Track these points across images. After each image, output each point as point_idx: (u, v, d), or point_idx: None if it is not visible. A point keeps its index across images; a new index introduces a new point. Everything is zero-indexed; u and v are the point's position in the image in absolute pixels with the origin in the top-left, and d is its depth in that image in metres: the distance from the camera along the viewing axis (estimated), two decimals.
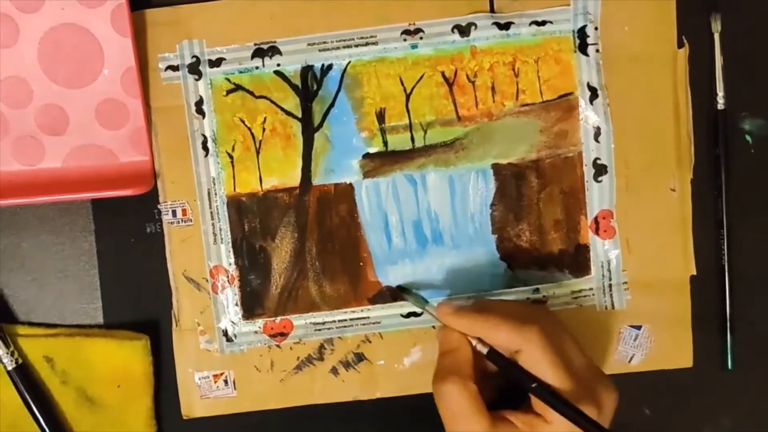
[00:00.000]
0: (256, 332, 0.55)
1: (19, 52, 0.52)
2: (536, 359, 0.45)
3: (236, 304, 0.54)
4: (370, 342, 0.55)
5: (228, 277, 0.54)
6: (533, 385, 0.45)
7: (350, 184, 0.54)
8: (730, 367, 0.54)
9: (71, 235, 0.55)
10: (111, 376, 0.54)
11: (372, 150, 0.54)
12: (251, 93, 0.53)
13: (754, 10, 0.53)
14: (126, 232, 0.55)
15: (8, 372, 0.53)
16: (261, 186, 0.54)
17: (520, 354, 0.46)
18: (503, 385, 0.50)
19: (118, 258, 0.55)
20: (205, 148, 0.53)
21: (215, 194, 0.54)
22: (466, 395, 0.45)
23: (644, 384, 0.55)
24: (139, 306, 0.55)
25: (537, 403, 0.46)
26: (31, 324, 0.55)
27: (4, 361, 0.53)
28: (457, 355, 0.47)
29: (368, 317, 0.55)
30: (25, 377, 0.53)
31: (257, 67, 0.53)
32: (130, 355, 0.54)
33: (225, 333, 0.55)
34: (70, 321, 0.55)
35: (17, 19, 0.52)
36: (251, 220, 0.54)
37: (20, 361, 0.53)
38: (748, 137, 0.54)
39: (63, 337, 0.54)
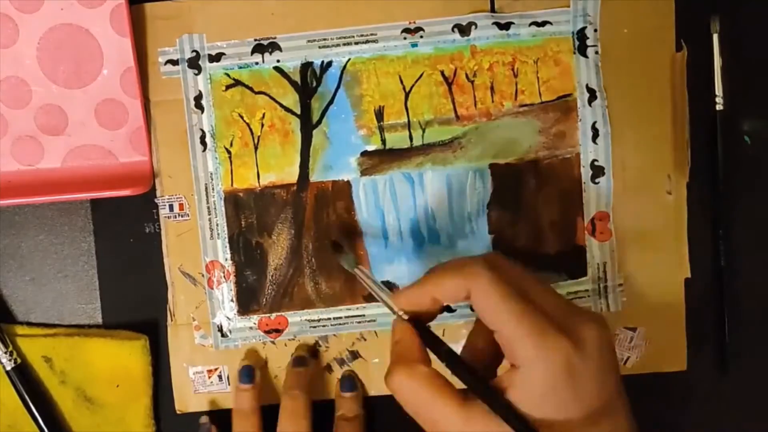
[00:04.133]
0: (251, 328, 0.55)
1: (18, 52, 0.52)
2: (485, 295, 0.38)
3: (231, 300, 0.54)
4: (365, 340, 0.55)
5: (224, 272, 0.54)
6: (443, 349, 0.40)
7: (348, 182, 0.54)
8: (725, 369, 0.55)
9: (70, 235, 0.55)
10: (110, 376, 0.54)
11: (370, 148, 0.54)
12: (250, 88, 0.53)
13: (752, 11, 0.54)
14: (125, 232, 0.55)
15: (7, 372, 0.53)
16: (258, 182, 0.54)
17: (471, 298, 0.39)
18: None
19: (117, 258, 0.55)
20: (203, 143, 0.54)
21: (212, 189, 0.54)
22: (416, 382, 0.39)
23: (640, 386, 0.55)
24: (137, 306, 0.55)
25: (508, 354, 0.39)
26: (29, 324, 0.55)
27: (3, 361, 0.53)
28: (401, 341, 0.41)
29: (363, 315, 0.55)
30: (24, 377, 0.53)
31: (257, 63, 0.53)
32: (129, 355, 0.54)
33: (220, 328, 0.55)
34: (69, 321, 0.56)
35: (17, 19, 0.52)
36: (248, 215, 0.54)
37: (19, 361, 0.53)
38: (747, 138, 0.54)
39: (62, 337, 0.54)
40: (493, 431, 0.37)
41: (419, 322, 0.41)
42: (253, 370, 0.53)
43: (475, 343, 0.43)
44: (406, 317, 0.42)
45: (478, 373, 0.40)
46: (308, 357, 0.54)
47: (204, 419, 0.54)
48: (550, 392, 0.37)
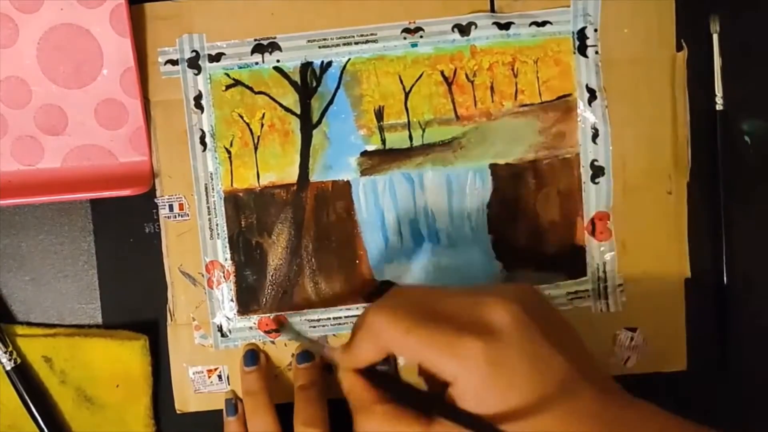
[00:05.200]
0: (250, 328, 0.55)
1: (18, 52, 0.52)
2: (392, 340, 0.40)
3: (231, 300, 0.54)
4: None
5: (224, 272, 0.54)
6: (389, 385, 0.42)
7: (347, 182, 0.54)
8: (725, 369, 0.55)
9: (70, 235, 0.55)
10: (110, 376, 0.54)
11: (370, 148, 0.54)
12: (250, 88, 0.53)
13: (752, 11, 0.54)
14: (125, 232, 0.55)
15: (7, 372, 0.53)
16: (258, 182, 0.54)
17: (387, 348, 0.41)
18: None
19: (117, 258, 0.55)
20: (203, 143, 0.54)
21: (212, 189, 0.54)
22: (378, 424, 0.40)
23: (640, 386, 0.55)
24: (137, 306, 0.55)
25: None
26: (29, 324, 0.55)
27: (3, 361, 0.53)
28: (351, 390, 0.43)
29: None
30: (24, 377, 0.53)
31: (257, 63, 0.53)
32: (128, 355, 0.54)
33: (220, 328, 0.55)
34: (69, 321, 0.56)
35: (17, 20, 0.52)
36: (248, 215, 0.54)
37: (19, 361, 0.53)
38: (747, 138, 0.54)
39: (62, 337, 0.54)
40: None
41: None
42: (256, 354, 0.54)
43: (425, 375, 0.43)
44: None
45: (428, 395, 0.41)
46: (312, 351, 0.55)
47: (229, 395, 0.55)
48: (485, 392, 0.38)
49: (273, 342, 0.55)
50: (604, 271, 0.54)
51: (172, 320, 0.54)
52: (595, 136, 0.54)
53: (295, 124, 0.54)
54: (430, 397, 0.41)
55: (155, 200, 0.54)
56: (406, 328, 0.39)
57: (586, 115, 0.53)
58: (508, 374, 0.38)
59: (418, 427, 0.39)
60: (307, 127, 0.54)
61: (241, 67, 0.53)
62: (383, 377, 0.43)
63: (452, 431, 0.38)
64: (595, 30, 0.53)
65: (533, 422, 0.37)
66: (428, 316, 0.39)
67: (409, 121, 0.54)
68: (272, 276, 0.54)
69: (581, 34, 0.53)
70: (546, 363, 0.39)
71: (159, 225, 0.54)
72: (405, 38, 0.53)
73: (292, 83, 0.53)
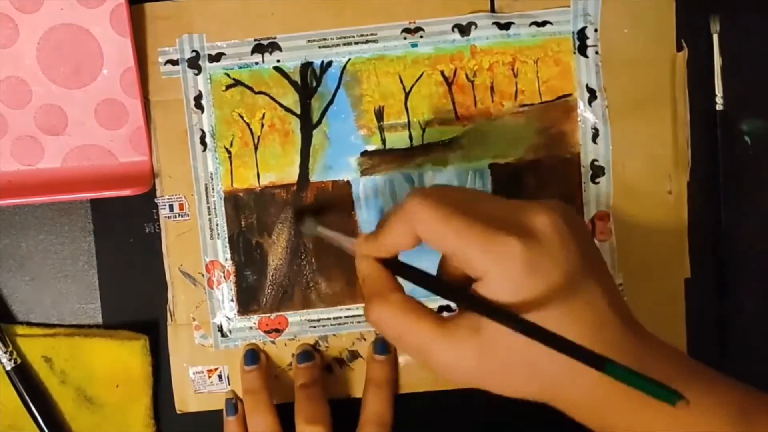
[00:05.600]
0: (251, 328, 0.55)
1: (18, 52, 0.52)
2: (426, 224, 0.38)
3: (231, 300, 0.54)
4: (365, 340, 0.55)
5: (224, 272, 0.54)
6: (412, 271, 0.41)
7: (348, 182, 0.54)
8: (725, 369, 0.54)
9: (70, 235, 0.55)
10: (110, 376, 0.54)
11: (370, 148, 0.54)
12: (250, 88, 0.53)
13: (752, 11, 0.54)
14: (125, 232, 0.55)
15: (7, 372, 0.53)
16: (258, 182, 0.54)
17: (419, 235, 0.39)
18: None
19: (117, 258, 0.55)
20: (203, 143, 0.54)
21: (212, 189, 0.54)
22: (392, 310, 0.39)
23: None
24: (138, 306, 0.55)
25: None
26: (29, 324, 0.55)
27: (3, 361, 0.53)
28: (368, 277, 0.42)
29: (363, 315, 0.54)
30: (24, 377, 0.53)
31: (257, 63, 0.53)
32: (129, 355, 0.54)
33: (220, 328, 0.55)
34: (69, 321, 0.56)
35: (17, 20, 0.52)
36: (248, 215, 0.54)
37: (19, 361, 0.53)
38: (747, 138, 0.54)
39: (62, 337, 0.54)
40: (472, 344, 0.38)
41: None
42: (256, 353, 0.54)
43: (447, 273, 0.43)
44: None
45: (454, 286, 0.41)
46: (312, 350, 0.55)
47: (229, 394, 0.55)
48: (515, 289, 0.37)
49: (273, 342, 0.55)
50: None
51: (172, 320, 0.54)
52: (595, 136, 0.54)
53: (295, 124, 0.54)
54: (457, 288, 0.40)
55: (155, 200, 0.54)
56: (444, 216, 0.37)
57: (586, 115, 0.53)
58: (539, 279, 0.37)
59: (431, 322, 0.39)
60: (307, 127, 0.54)
61: (241, 67, 0.53)
62: (406, 267, 0.41)
63: (465, 331, 0.38)
64: (595, 30, 0.53)
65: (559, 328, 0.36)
66: (468, 210, 0.38)
67: (409, 121, 0.54)
68: (272, 276, 0.54)
69: (581, 34, 0.53)
70: (578, 282, 0.38)
71: (159, 225, 0.54)
72: (405, 38, 0.53)
73: (292, 83, 0.53)
